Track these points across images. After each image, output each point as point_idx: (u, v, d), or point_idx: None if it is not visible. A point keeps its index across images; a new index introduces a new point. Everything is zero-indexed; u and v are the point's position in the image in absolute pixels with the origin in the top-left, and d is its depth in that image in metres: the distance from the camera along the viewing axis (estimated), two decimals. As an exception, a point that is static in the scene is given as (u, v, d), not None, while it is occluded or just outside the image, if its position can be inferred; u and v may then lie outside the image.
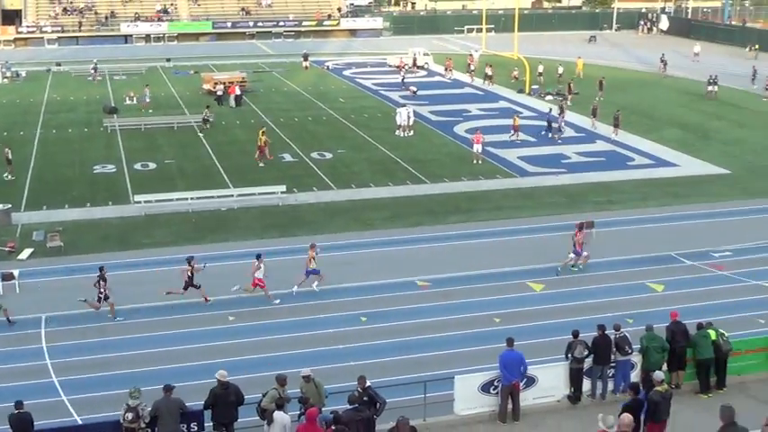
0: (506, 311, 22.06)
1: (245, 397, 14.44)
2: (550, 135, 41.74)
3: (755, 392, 17.50)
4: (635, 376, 17.80)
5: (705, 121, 45.86)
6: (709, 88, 51.86)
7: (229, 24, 79.29)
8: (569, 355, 17.40)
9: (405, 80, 56.28)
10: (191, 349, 19.29)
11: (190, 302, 21.64)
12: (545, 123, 42.55)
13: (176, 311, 21.19)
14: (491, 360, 17.66)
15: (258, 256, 21.97)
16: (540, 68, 56.62)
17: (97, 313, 20.93)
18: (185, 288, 21.48)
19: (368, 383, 14.71)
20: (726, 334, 18.17)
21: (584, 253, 24.93)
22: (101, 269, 20.98)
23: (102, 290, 20.56)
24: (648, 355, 17.54)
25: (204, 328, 20.53)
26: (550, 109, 42.77)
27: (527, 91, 53.94)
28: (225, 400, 13.95)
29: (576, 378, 17.53)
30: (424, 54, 63.68)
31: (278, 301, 22.00)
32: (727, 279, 24.40)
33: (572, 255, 24.89)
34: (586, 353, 17.41)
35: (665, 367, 17.62)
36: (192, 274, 21.45)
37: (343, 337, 20.32)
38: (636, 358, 17.84)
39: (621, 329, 18.11)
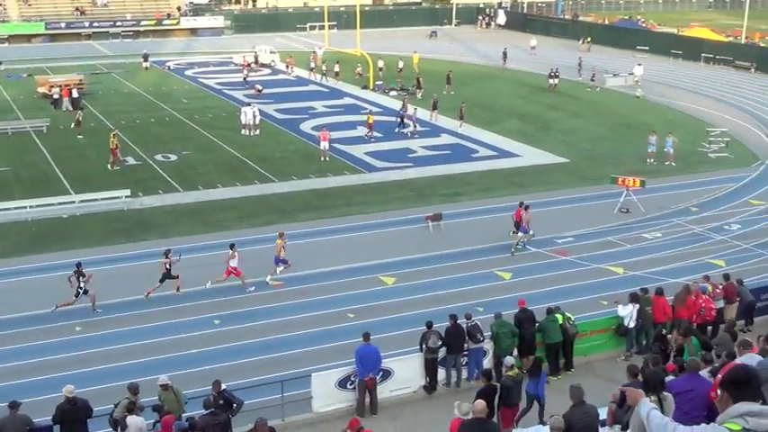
0: (361, 306, 22.27)
1: (95, 409, 14.39)
2: (404, 131, 42.38)
3: (601, 371, 18.59)
4: (487, 363, 18.47)
5: (544, 112, 48.20)
6: (551, 81, 54.48)
7: (63, 25, 75.17)
8: (423, 346, 17.76)
9: (248, 79, 55.61)
10: (39, 363, 18.73)
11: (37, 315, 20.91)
12: (397, 119, 43.19)
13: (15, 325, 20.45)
14: (348, 356, 17.80)
15: (232, 246, 22.92)
16: (381, 64, 57.42)
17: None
18: (161, 281, 22.16)
19: (223, 387, 14.60)
20: (572, 317, 19.23)
21: (530, 231, 26.88)
22: (78, 265, 21.31)
23: (81, 284, 21.04)
24: (499, 341, 18.22)
25: (55, 339, 19.98)
26: (404, 104, 43.45)
27: (371, 87, 54.60)
28: (73, 416, 13.94)
29: (430, 368, 17.90)
30: (270, 52, 63.08)
31: (253, 288, 22.95)
32: (571, 264, 25.80)
33: (520, 233, 26.59)
34: (440, 343, 17.82)
35: (515, 352, 18.42)
36: (170, 266, 22.15)
37: (198, 340, 19.92)
38: (488, 345, 18.52)
39: (473, 318, 18.76)
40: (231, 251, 22.86)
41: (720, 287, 20.77)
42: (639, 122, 45.76)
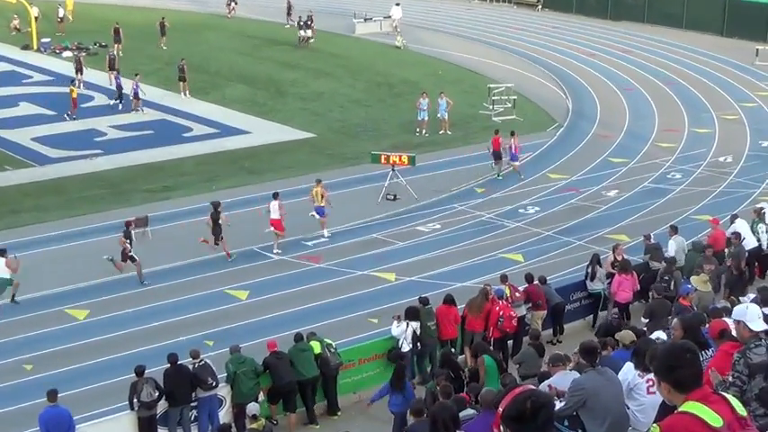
0: (41, 353, 21.70)
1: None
2: (122, 105, 42.04)
3: (378, 412, 18.82)
4: (225, 415, 18.43)
5: (277, 73, 49.23)
6: (302, 33, 55.51)
7: None
8: (135, 400, 17.47)
9: None
10: None
11: None
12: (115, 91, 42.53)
13: None
14: (31, 423, 17.27)
15: (276, 195, 28.04)
16: (35, 12, 55.05)
17: None
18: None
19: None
20: (333, 344, 19.65)
21: (517, 163, 34.39)
22: (127, 225, 25.75)
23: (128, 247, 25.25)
24: (239, 384, 18.17)
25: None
26: (137, 75, 41.76)
27: (34, 47, 53.12)
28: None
29: (148, 429, 17.56)
30: None
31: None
32: (327, 272, 26.46)
33: (516, 163, 34.34)
34: (157, 393, 17.58)
35: (262, 397, 18.52)
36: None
37: None
38: (223, 391, 18.49)
39: (202, 357, 18.55)
40: (275, 201, 27.83)
41: (521, 289, 22.23)
42: (403, 81, 47.96)
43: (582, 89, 46.78)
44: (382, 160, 32.06)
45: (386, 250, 28.16)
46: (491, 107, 42.52)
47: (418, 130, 39.08)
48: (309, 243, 28.51)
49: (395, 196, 31.48)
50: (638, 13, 63.37)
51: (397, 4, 60.58)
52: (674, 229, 24.89)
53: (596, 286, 23.32)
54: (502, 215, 30.87)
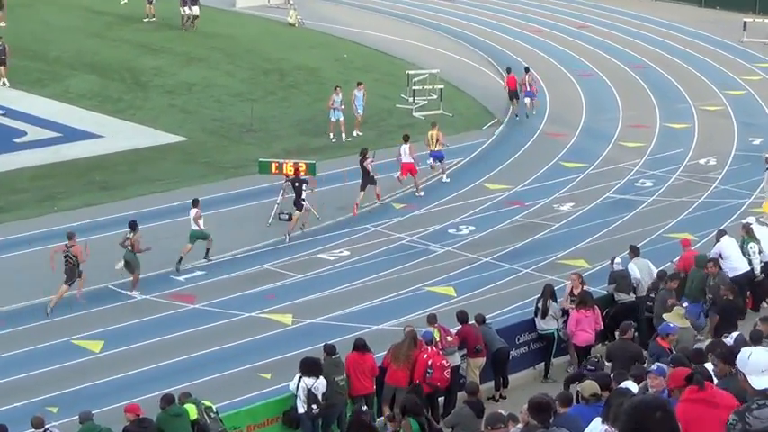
0: None
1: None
2: None
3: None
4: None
5: (135, 59, 49.00)
6: (185, 10, 54.52)
7: None
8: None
9: None
10: None
11: None
12: None
13: None
14: None
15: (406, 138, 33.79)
16: None
17: None
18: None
19: None
20: (214, 407, 19.52)
21: (535, 99, 42.14)
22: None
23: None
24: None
25: None
26: None
27: None
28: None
29: None
30: None
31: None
32: (203, 315, 26.40)
33: (527, 100, 41.40)
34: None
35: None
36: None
37: None
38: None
39: (46, 427, 18.31)
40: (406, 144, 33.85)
41: (453, 332, 22.22)
42: (298, 67, 48.24)
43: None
44: (273, 169, 32.08)
45: (280, 285, 28.18)
46: (411, 99, 42.91)
47: (332, 135, 39.11)
48: (181, 278, 28.38)
49: (290, 215, 31.51)
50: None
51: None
52: (635, 251, 25.37)
53: (549, 326, 23.51)
54: (427, 237, 31.12)
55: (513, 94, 41.52)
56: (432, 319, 22.19)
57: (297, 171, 31.46)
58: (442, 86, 43.23)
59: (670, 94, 45.11)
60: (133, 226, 27.53)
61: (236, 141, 39.03)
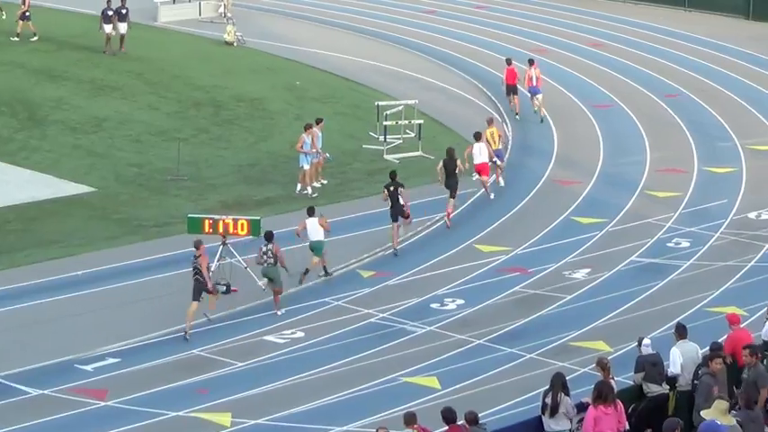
0: None
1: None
2: None
3: None
4: None
5: (29, 87, 49.19)
6: (107, 29, 54.41)
7: None
8: None
9: None
10: None
11: None
12: None
13: None
14: None
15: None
16: None
17: None
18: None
19: None
20: None
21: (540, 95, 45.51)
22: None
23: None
24: None
25: None
26: None
27: None
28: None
29: None
30: None
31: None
32: (119, 414, 26.05)
33: (538, 96, 45.63)
34: None
35: None
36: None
37: None
38: None
39: None
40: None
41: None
42: (238, 97, 48.51)
43: (528, 106, 47.34)
44: (206, 228, 31.98)
45: (215, 376, 28.08)
46: (382, 138, 43.04)
47: (301, 186, 38.96)
48: (88, 367, 28.21)
49: (227, 287, 31.40)
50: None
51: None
52: (681, 331, 25.18)
53: (560, 426, 23.52)
54: (404, 313, 31.05)
55: (512, 89, 44.74)
56: (410, 419, 22.12)
57: (234, 230, 31.49)
58: (420, 121, 43.47)
59: (710, 131, 45.42)
60: (270, 236, 30.75)
61: (158, 192, 38.96)
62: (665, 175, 40.65)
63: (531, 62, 45.72)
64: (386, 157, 41.95)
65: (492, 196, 38.22)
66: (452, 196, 36.56)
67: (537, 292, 32.26)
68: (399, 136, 43.10)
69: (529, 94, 44.43)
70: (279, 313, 30.80)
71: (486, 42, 57.00)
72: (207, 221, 32.22)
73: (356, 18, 61.21)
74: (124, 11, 55.13)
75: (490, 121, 39.81)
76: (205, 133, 44.89)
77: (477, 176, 37.83)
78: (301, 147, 38.64)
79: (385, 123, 43.22)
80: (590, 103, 48.38)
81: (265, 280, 31.02)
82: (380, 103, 44.29)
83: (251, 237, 31.92)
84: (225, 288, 31.23)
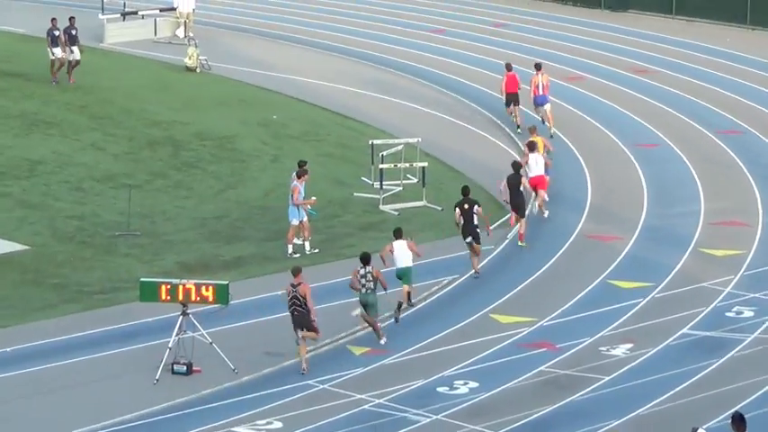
0: None
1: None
2: None
3: None
4: None
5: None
6: (58, 53, 54.86)
7: None
8: None
9: None
10: None
11: None
12: None
13: None
14: None
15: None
16: None
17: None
18: None
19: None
20: None
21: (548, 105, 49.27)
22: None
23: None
24: None
25: None
26: None
27: None
28: None
29: None
30: None
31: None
32: None
33: (546, 107, 49.04)
34: None
35: None
36: None
37: None
38: None
39: None
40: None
41: None
42: (201, 134, 49.06)
43: (556, 144, 47.69)
44: (163, 295, 32.01)
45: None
46: (378, 185, 43.21)
47: (291, 248, 39.04)
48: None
49: (189, 366, 31.56)
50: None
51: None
52: (739, 423, 25.29)
53: None
54: (404, 399, 31.05)
55: (513, 98, 47.58)
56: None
57: (197, 297, 31.53)
58: (424, 164, 43.72)
59: (778, 174, 45.53)
60: (367, 259, 33.32)
61: (104, 251, 39.08)
62: (723, 229, 40.80)
63: (537, 67, 48.19)
64: (382, 207, 42.17)
65: (546, 214, 40.70)
66: (522, 215, 39.73)
67: (567, 373, 32.31)
68: (399, 182, 43.31)
69: (534, 106, 46.81)
70: (383, 341, 33.45)
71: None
72: (163, 287, 32.24)
73: (346, 39, 61.61)
74: (74, 31, 55.64)
75: (532, 130, 42.57)
76: (162, 179, 45.06)
77: (533, 192, 40.99)
78: (295, 196, 38.68)
79: (381, 166, 43.39)
80: (632, 141, 48.57)
81: (359, 309, 33.36)
82: (375, 142, 44.70)
83: (218, 305, 31.89)
84: (185, 368, 31.31)
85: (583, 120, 50.40)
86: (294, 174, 39.08)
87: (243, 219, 39.66)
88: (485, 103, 52.46)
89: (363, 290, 32.48)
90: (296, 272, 31.46)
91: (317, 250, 39.00)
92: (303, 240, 39.07)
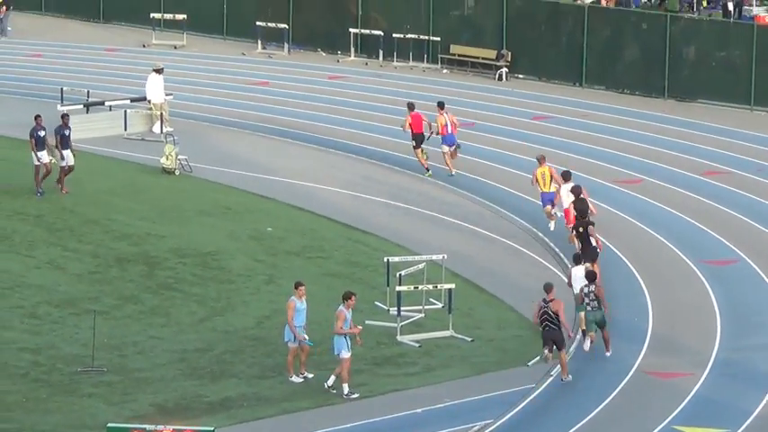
0: None
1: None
2: None
3: None
4: None
5: None
6: (45, 157, 55.10)
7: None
8: None
9: None
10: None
11: None
12: None
13: None
14: None
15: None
16: None
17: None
18: None
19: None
20: None
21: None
22: None
23: None
24: None
25: None
26: None
27: None
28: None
29: None
30: None
31: None
32: None
33: (446, 148, 55.38)
34: None
35: None
36: None
37: None
38: None
39: None
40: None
41: None
42: (179, 251, 49.41)
43: (608, 259, 48.01)
44: (135, 445, 32.26)
45: None
46: (394, 311, 43.33)
47: (293, 376, 39.41)
48: None
49: None
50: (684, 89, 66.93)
51: (158, 70, 62.80)
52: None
53: None
54: None
55: (419, 139, 52.01)
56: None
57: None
58: (451, 286, 43.67)
59: None
60: (593, 277, 40.15)
61: (64, 391, 39.14)
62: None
63: (441, 105, 52.77)
64: (399, 338, 42.23)
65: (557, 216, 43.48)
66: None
67: None
68: (420, 307, 43.48)
69: (446, 147, 51.36)
70: (608, 353, 39.98)
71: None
72: (136, 434, 32.48)
73: (352, 134, 61.97)
74: (67, 132, 56.25)
75: (542, 159, 47.09)
76: (133, 304, 45.27)
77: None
78: (342, 326, 38.40)
79: (398, 289, 43.40)
80: (701, 258, 48.69)
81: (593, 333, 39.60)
82: (392, 259, 44.93)
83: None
84: None
85: (640, 230, 50.53)
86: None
87: (231, 352, 39.81)
88: (522, 211, 52.65)
89: (590, 308, 38.41)
90: (548, 288, 38.42)
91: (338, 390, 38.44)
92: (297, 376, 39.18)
